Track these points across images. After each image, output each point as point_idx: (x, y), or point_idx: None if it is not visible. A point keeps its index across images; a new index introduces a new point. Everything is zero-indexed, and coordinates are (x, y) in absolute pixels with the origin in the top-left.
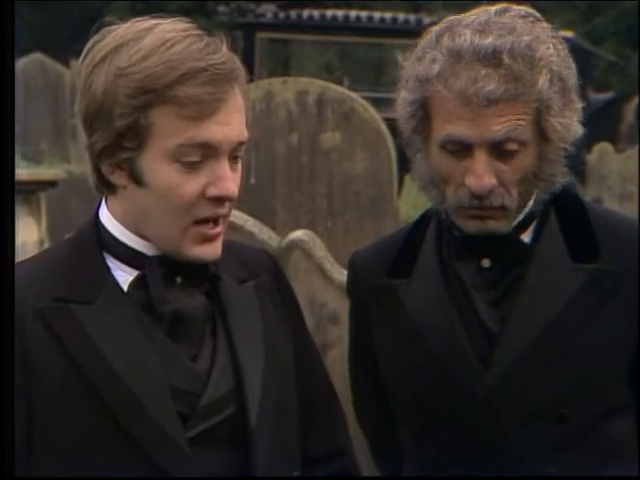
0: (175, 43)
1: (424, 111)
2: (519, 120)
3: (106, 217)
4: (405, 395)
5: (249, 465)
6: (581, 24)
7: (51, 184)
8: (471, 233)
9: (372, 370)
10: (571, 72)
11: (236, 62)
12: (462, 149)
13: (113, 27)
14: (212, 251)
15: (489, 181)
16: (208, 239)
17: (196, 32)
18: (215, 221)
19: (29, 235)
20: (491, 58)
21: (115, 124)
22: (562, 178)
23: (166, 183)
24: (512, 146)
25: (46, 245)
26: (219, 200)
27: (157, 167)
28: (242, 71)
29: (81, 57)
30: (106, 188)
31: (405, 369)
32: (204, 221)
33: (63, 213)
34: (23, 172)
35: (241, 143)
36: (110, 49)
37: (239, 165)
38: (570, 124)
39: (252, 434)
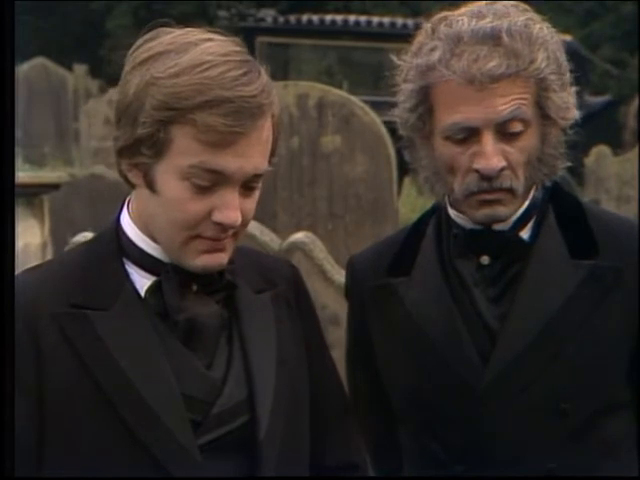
0: (211, 67)
1: (426, 103)
2: (522, 99)
3: (126, 222)
4: (405, 391)
5: (257, 476)
6: (578, 29)
7: (54, 187)
8: (481, 221)
9: (370, 370)
10: (563, 55)
11: (269, 96)
12: (469, 135)
13: (168, 29)
14: (213, 261)
15: (498, 162)
16: (209, 251)
17: (239, 58)
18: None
19: (32, 238)
20: (490, 38)
21: (137, 129)
22: (562, 164)
23: (174, 197)
24: (517, 126)
25: (49, 248)
26: (222, 225)
27: (169, 180)
28: (273, 104)
29: (130, 50)
30: (126, 182)
31: (405, 366)
32: (207, 237)
33: (66, 216)
34: (26, 175)
35: (257, 175)
36: (153, 54)
37: (255, 192)
38: (568, 104)
39: (260, 446)
